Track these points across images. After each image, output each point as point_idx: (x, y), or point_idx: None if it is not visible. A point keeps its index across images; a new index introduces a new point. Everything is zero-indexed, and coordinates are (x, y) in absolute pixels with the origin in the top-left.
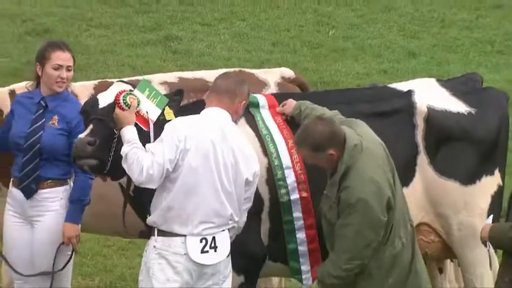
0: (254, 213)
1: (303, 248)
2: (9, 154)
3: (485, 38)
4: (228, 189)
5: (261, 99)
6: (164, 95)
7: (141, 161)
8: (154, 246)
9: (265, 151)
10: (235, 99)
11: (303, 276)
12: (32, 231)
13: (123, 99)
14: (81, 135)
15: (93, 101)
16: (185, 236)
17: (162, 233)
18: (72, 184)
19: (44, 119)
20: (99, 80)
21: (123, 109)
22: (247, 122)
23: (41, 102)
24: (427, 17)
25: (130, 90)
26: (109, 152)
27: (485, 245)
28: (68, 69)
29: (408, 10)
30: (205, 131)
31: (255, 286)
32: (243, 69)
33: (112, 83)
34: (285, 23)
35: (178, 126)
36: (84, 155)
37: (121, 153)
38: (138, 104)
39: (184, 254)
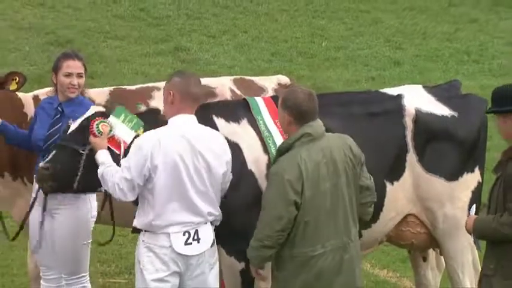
0: (254, 205)
1: None
2: (34, 153)
3: (463, 48)
4: (203, 190)
5: (260, 102)
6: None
7: (111, 178)
8: (143, 241)
9: (266, 149)
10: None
11: None
12: (53, 222)
13: (96, 127)
14: (41, 164)
15: (65, 128)
16: (169, 233)
17: (149, 231)
18: None
19: (60, 124)
20: (114, 87)
21: (95, 136)
22: (249, 122)
23: (58, 108)
24: (410, 29)
25: (104, 118)
26: (75, 173)
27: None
28: (79, 76)
29: (393, 23)
30: (171, 144)
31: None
32: (244, 76)
33: (125, 89)
34: (283, 35)
35: (144, 144)
36: (43, 180)
37: (98, 173)
38: (110, 131)
39: (169, 246)
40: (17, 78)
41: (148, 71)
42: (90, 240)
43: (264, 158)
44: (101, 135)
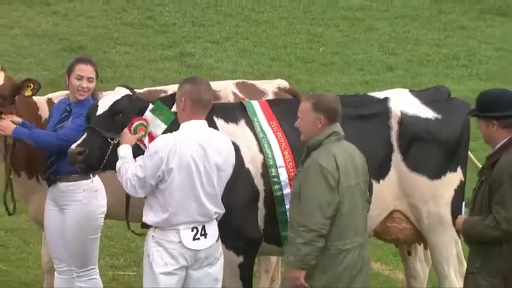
0: (252, 202)
1: None
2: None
3: (452, 54)
4: (211, 192)
5: (256, 104)
6: (163, 96)
7: (125, 173)
8: (152, 236)
9: (261, 150)
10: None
11: None
12: (63, 216)
13: (134, 127)
14: (73, 146)
15: (93, 107)
16: (178, 229)
17: (158, 228)
18: (93, 179)
19: (65, 122)
20: None
21: (130, 132)
22: (247, 124)
23: (67, 107)
24: (403, 36)
25: (144, 120)
26: (102, 158)
27: (459, 236)
28: (89, 80)
29: (386, 31)
30: (185, 148)
31: (252, 265)
32: (246, 80)
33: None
34: (282, 42)
35: (160, 147)
36: (74, 162)
37: (116, 166)
38: (144, 136)
39: (179, 242)
40: (32, 85)
41: (155, 75)
42: (98, 235)
43: (259, 158)
44: (135, 134)
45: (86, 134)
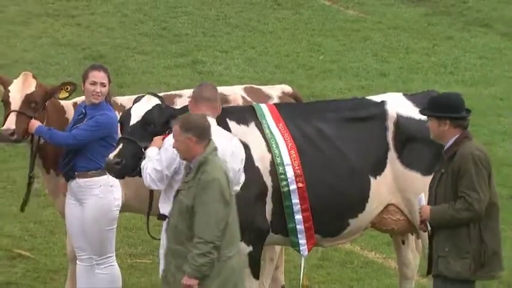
0: (260, 197)
1: (300, 227)
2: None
3: (440, 62)
4: None
5: (264, 108)
6: (185, 106)
7: (145, 170)
8: None
9: (270, 149)
10: (218, 103)
11: (301, 248)
12: (82, 209)
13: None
14: (111, 155)
15: (126, 115)
16: None
17: None
18: (109, 175)
19: (81, 124)
20: (139, 95)
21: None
22: (256, 126)
23: (83, 110)
24: (395, 45)
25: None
26: (136, 167)
27: (425, 226)
28: (102, 85)
29: (380, 40)
30: None
31: (260, 254)
32: (252, 85)
33: None
34: (285, 50)
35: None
36: (111, 171)
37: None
38: None
39: None
40: (68, 87)
41: (169, 81)
42: (115, 226)
43: (268, 156)
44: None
45: (121, 144)
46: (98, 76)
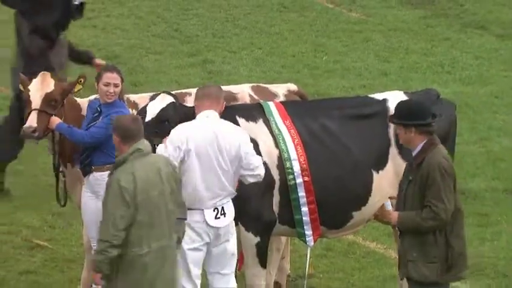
0: (268, 189)
1: (306, 218)
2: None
3: (438, 62)
4: (225, 168)
5: (272, 105)
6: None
7: None
8: None
9: (277, 145)
10: (221, 100)
11: (307, 239)
12: (98, 201)
13: None
14: None
15: (142, 112)
16: (203, 209)
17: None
18: None
19: (97, 121)
20: (154, 93)
21: None
22: (264, 122)
23: (98, 108)
24: (396, 46)
25: None
26: None
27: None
28: (115, 85)
29: (381, 41)
30: (201, 132)
31: (267, 244)
32: (260, 84)
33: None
34: (291, 51)
35: (180, 132)
36: None
37: None
38: None
39: (203, 221)
40: (82, 80)
41: (181, 80)
42: None
43: (275, 152)
44: None
45: None
46: (111, 77)
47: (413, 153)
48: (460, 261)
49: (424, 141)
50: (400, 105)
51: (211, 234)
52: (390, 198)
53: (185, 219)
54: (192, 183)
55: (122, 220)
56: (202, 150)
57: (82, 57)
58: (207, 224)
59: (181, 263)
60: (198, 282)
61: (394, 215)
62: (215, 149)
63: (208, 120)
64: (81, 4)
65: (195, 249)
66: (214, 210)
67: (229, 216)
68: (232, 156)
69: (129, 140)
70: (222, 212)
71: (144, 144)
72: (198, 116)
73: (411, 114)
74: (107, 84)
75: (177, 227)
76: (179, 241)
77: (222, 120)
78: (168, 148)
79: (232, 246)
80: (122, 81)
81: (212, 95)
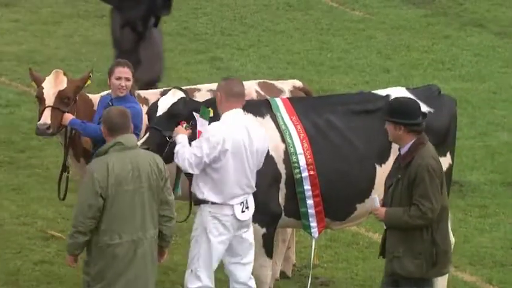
0: (274, 183)
1: (311, 211)
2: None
3: (438, 59)
4: (252, 167)
5: (279, 101)
6: (207, 100)
7: (183, 154)
8: (209, 211)
9: (283, 140)
10: (244, 96)
11: (312, 231)
12: None
13: (184, 127)
14: (139, 143)
15: (154, 106)
16: (233, 204)
17: (215, 203)
18: None
19: None
20: (164, 88)
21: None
22: (271, 118)
23: (110, 103)
24: (397, 44)
25: (189, 122)
26: (161, 153)
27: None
28: (127, 79)
29: (383, 39)
30: (236, 133)
31: (273, 235)
32: (266, 80)
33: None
34: (296, 48)
35: (216, 132)
36: None
37: (174, 150)
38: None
39: (232, 214)
40: (91, 75)
41: (190, 76)
42: None
43: (282, 146)
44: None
45: (148, 133)
46: (123, 71)
47: (402, 152)
48: (444, 258)
49: (413, 140)
50: (392, 103)
51: (236, 227)
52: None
53: (171, 217)
54: (225, 181)
55: (89, 209)
56: (238, 151)
57: None
58: (235, 218)
59: (203, 254)
60: (213, 275)
61: (382, 211)
62: (247, 149)
63: (240, 120)
64: (167, 0)
65: (222, 242)
66: (241, 204)
67: (252, 209)
68: (259, 155)
69: (114, 132)
70: (246, 206)
71: (127, 138)
72: (226, 115)
73: (402, 112)
74: (119, 78)
75: (164, 224)
76: (163, 237)
77: (248, 117)
78: (203, 146)
79: (250, 235)
80: (134, 76)
81: (239, 93)
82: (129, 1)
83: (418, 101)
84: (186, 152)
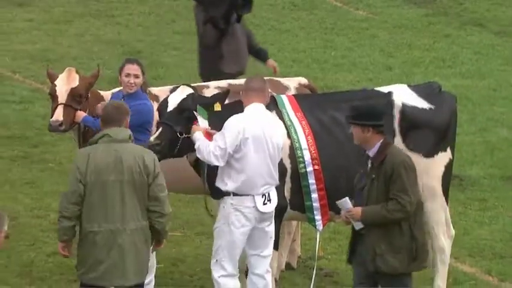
0: (280, 177)
1: (316, 204)
2: None
3: (439, 57)
4: (274, 159)
5: (285, 98)
6: (214, 95)
7: (207, 147)
8: (231, 204)
9: (289, 135)
10: (266, 93)
11: (316, 223)
12: None
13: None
14: (152, 138)
15: (164, 102)
16: (253, 195)
17: (236, 195)
18: None
19: None
20: (174, 86)
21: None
22: (277, 114)
23: (122, 99)
24: (400, 42)
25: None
26: (174, 148)
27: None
28: (136, 76)
29: (386, 38)
30: (256, 123)
31: (279, 228)
32: (272, 77)
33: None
34: (301, 47)
35: (237, 123)
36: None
37: (195, 147)
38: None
39: (253, 206)
40: (98, 72)
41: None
42: None
43: (287, 142)
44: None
45: (160, 128)
46: (132, 68)
47: (371, 153)
48: (423, 252)
49: (381, 141)
50: (357, 107)
51: (258, 219)
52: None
53: (162, 213)
54: (247, 170)
55: (72, 195)
56: (258, 140)
57: (259, 55)
58: (256, 209)
59: (226, 245)
60: (237, 263)
61: (358, 210)
62: (267, 140)
63: (259, 113)
64: (248, 0)
65: (244, 233)
66: (262, 197)
67: (274, 202)
68: (279, 147)
69: (107, 124)
70: (269, 198)
71: (116, 131)
72: (247, 108)
73: (369, 115)
74: (128, 75)
75: (156, 220)
76: (157, 232)
77: (268, 112)
78: (226, 137)
79: (272, 229)
80: (143, 73)
81: (258, 88)
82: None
83: (418, 97)
84: (211, 146)
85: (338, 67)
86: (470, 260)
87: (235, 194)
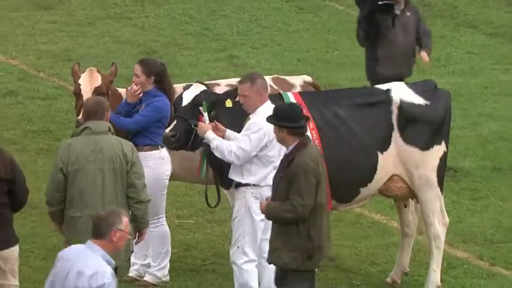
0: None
1: None
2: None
3: (434, 56)
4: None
5: (290, 95)
6: (226, 91)
7: (227, 147)
8: (252, 193)
9: None
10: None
11: None
12: None
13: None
14: (167, 130)
15: (179, 98)
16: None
17: (256, 185)
18: (161, 149)
19: (138, 107)
20: (187, 83)
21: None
22: None
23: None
24: None
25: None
26: (188, 140)
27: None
28: (136, 76)
29: None
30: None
31: None
32: (279, 76)
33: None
34: (306, 47)
35: (263, 124)
36: (168, 143)
37: (212, 147)
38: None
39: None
40: (116, 68)
41: (210, 72)
42: (165, 192)
43: None
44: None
45: (176, 121)
46: (135, 68)
47: (286, 152)
48: (319, 252)
49: (296, 142)
50: (277, 109)
51: None
52: None
53: (139, 200)
54: (269, 165)
55: (52, 183)
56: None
57: (419, 43)
58: None
59: (248, 232)
60: (257, 249)
61: (263, 204)
62: None
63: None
64: (388, 5)
65: (263, 219)
66: None
67: None
68: None
69: (89, 117)
70: None
71: (96, 124)
72: (264, 109)
73: (284, 117)
74: (134, 75)
75: (133, 206)
76: (136, 219)
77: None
78: (252, 141)
79: None
80: (144, 73)
81: (266, 86)
82: (363, 2)
83: (415, 94)
84: (232, 146)
85: (340, 66)
86: (463, 246)
87: (255, 185)
